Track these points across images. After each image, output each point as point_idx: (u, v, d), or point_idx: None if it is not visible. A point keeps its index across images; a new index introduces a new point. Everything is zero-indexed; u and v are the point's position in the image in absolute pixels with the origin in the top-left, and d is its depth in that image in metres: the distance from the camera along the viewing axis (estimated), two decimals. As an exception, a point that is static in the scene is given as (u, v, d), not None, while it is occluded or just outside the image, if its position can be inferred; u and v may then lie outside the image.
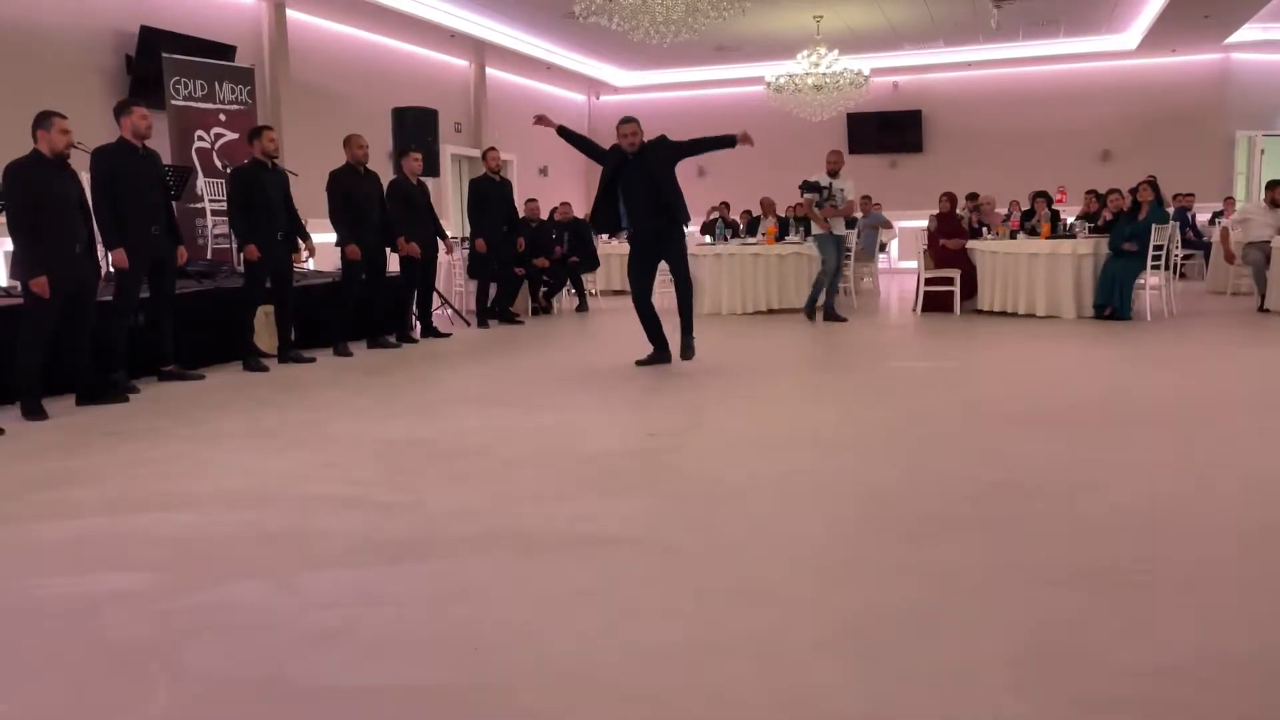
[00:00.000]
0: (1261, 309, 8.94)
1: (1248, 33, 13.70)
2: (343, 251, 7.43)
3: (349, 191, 7.43)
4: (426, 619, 2.46)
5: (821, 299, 9.19)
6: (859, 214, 9.10)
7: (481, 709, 2.02)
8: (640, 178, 6.27)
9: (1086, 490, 3.48)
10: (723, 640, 2.29)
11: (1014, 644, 2.23)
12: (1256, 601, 2.46)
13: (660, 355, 6.51)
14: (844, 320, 9.05)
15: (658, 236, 6.34)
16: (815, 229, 9.21)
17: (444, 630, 2.38)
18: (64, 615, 2.55)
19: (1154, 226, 8.35)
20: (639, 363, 6.45)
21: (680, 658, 2.21)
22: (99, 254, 5.68)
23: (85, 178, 5.62)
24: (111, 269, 5.85)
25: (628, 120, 6.33)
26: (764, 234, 10.44)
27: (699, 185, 16.99)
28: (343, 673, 2.17)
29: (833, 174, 9.06)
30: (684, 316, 6.46)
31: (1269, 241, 9.03)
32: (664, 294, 10.63)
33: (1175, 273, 9.43)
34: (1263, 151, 14.96)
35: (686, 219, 6.43)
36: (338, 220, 7.41)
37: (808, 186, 9.13)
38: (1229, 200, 13.44)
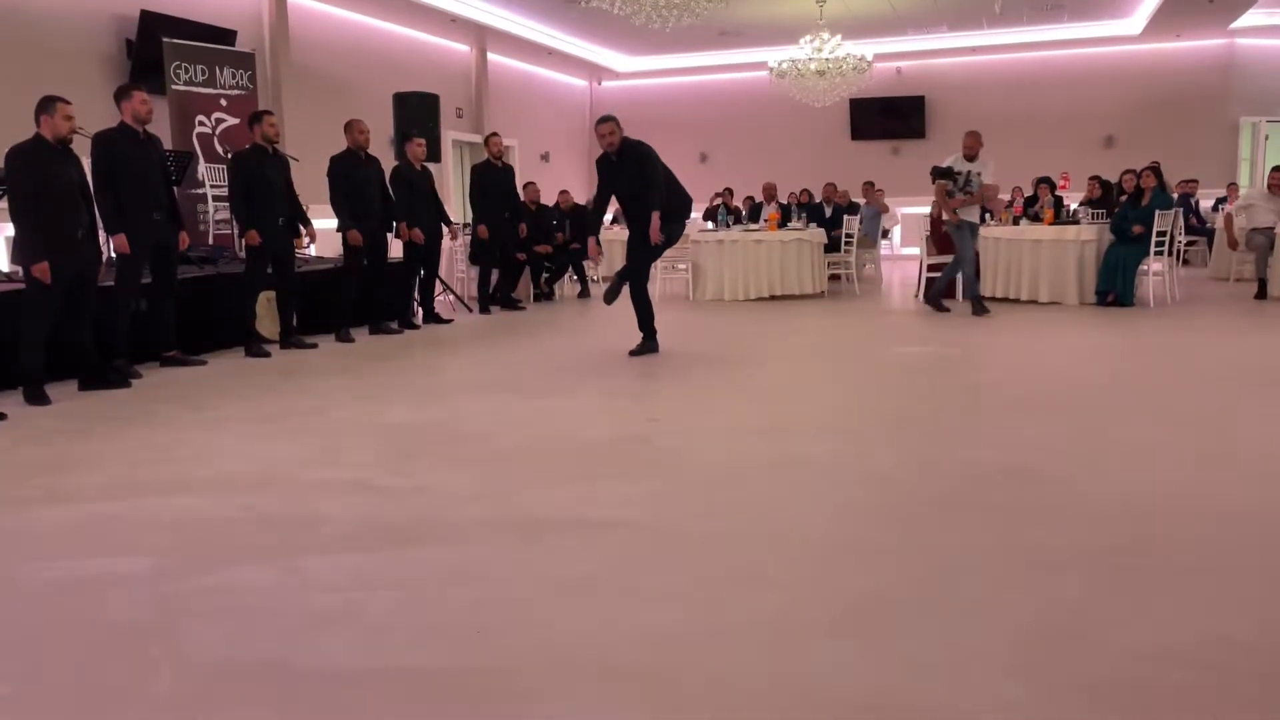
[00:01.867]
0: (1260, 296, 8.92)
1: (1253, 18, 13.62)
2: (344, 237, 7.42)
3: (350, 177, 7.41)
4: (428, 603, 2.46)
5: (925, 286, 8.67)
6: (1002, 197, 8.42)
7: (483, 691, 2.02)
8: (625, 180, 6.29)
9: (1088, 474, 3.48)
10: (724, 624, 2.30)
11: (1015, 627, 2.23)
12: (1258, 585, 2.46)
13: (649, 344, 6.49)
14: (987, 312, 8.22)
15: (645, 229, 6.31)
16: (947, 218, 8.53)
17: (446, 614, 2.39)
18: (66, 599, 2.56)
19: (1157, 212, 8.32)
20: (632, 353, 6.43)
21: (682, 641, 2.21)
22: (100, 239, 5.68)
23: (86, 163, 5.62)
24: (113, 254, 5.85)
25: (604, 120, 6.28)
26: (766, 220, 10.41)
27: (701, 171, 16.98)
28: (344, 656, 2.18)
29: (970, 157, 8.32)
30: (620, 278, 6.51)
31: (1272, 228, 9.00)
32: (668, 279, 10.63)
33: (1178, 259, 9.41)
34: (1267, 138, 14.90)
35: (687, 210, 6.48)
36: (339, 206, 7.39)
37: (939, 173, 8.33)
38: (1232, 186, 13.39)
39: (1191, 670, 2.03)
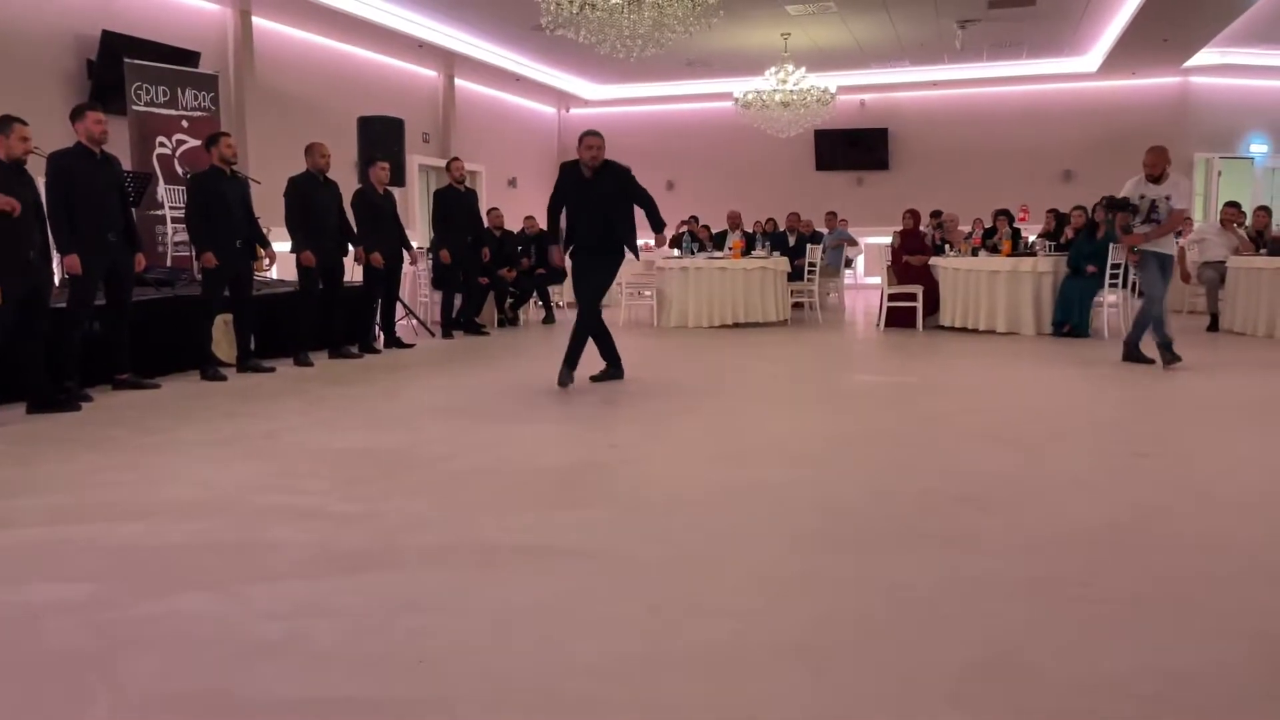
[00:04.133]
0: (1212, 328, 9.10)
1: (1205, 57, 13.97)
2: (297, 259, 7.36)
3: (307, 199, 7.37)
4: (376, 631, 2.43)
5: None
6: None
7: (425, 722, 1.99)
8: (597, 199, 6.08)
9: (1040, 504, 3.51)
10: (673, 653, 2.29)
11: (961, 657, 2.24)
12: (1199, 616, 2.49)
13: (614, 371, 6.43)
14: (1150, 361, 6.92)
15: (597, 258, 6.17)
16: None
17: (393, 643, 2.36)
18: (1, 626, 2.50)
19: (1111, 245, 8.48)
20: (594, 379, 6.38)
21: (630, 671, 2.20)
22: (54, 261, 5.60)
23: (41, 183, 5.55)
24: (65, 275, 5.76)
25: (594, 133, 6.13)
26: (731, 248, 10.49)
27: (667, 199, 16.97)
28: (284, 686, 2.14)
29: (1154, 178, 6.82)
30: (574, 348, 6.14)
31: (1224, 261, 9.21)
32: (632, 306, 10.65)
33: (1134, 291, 9.58)
34: (1220, 174, 15.25)
35: (635, 251, 6.35)
36: (294, 227, 7.35)
37: (1114, 204, 7.09)
38: (1187, 221, 13.67)
39: (1131, 701, 2.04)
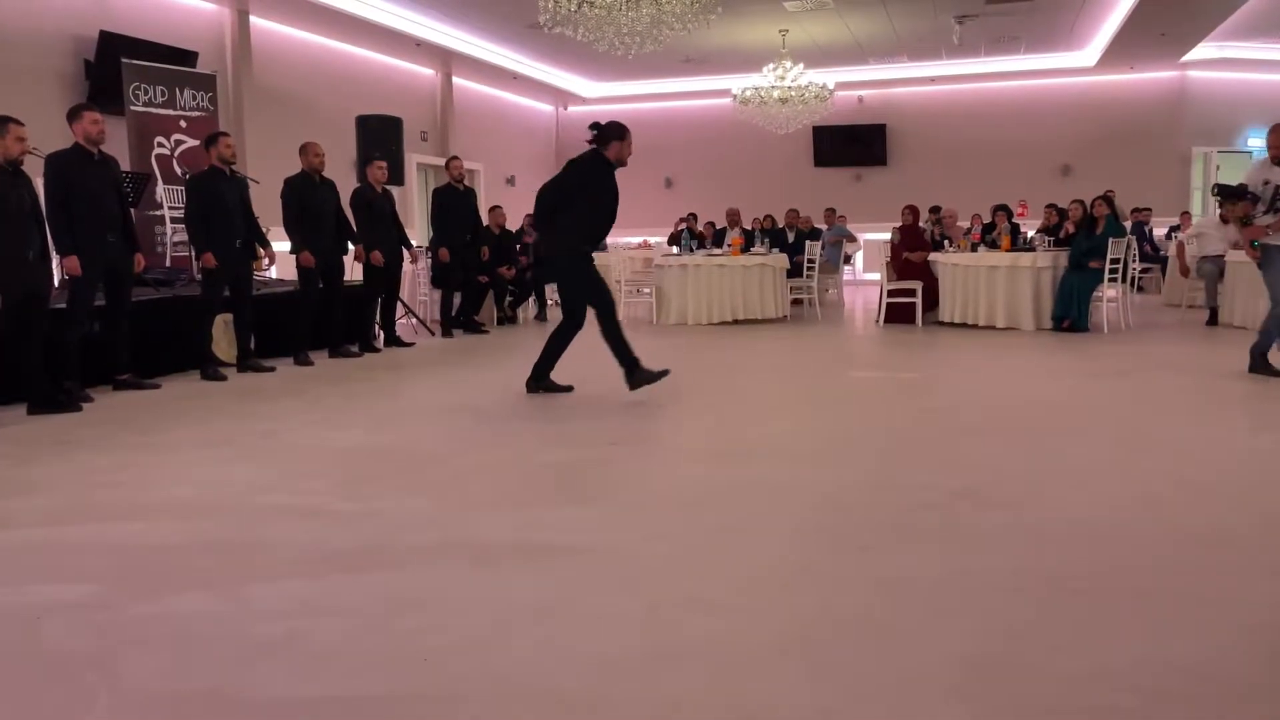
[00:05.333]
0: (1211, 322, 9.11)
1: (1203, 51, 13.97)
2: (296, 259, 7.37)
3: (304, 199, 7.37)
4: (376, 630, 2.43)
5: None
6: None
7: (426, 720, 2.00)
8: (614, 195, 5.69)
9: (1039, 499, 3.51)
10: (673, 649, 2.29)
11: (961, 651, 2.24)
12: (1197, 608, 2.49)
13: (653, 374, 5.69)
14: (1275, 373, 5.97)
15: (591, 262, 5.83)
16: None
17: (393, 641, 2.36)
18: (1, 626, 2.50)
19: (1111, 240, 8.49)
20: (633, 387, 5.71)
21: (630, 667, 2.20)
22: (52, 262, 5.60)
23: (40, 183, 5.55)
24: (65, 276, 5.76)
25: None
26: (730, 245, 10.49)
27: (666, 196, 17.10)
28: (285, 684, 2.15)
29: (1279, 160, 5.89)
30: (553, 354, 5.88)
31: (1222, 256, 9.20)
32: (632, 303, 10.64)
33: (1133, 286, 9.58)
34: (1218, 168, 15.24)
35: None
36: (292, 228, 7.35)
37: (1231, 193, 6.16)
38: (1185, 215, 13.69)
39: (1130, 694, 2.04)
